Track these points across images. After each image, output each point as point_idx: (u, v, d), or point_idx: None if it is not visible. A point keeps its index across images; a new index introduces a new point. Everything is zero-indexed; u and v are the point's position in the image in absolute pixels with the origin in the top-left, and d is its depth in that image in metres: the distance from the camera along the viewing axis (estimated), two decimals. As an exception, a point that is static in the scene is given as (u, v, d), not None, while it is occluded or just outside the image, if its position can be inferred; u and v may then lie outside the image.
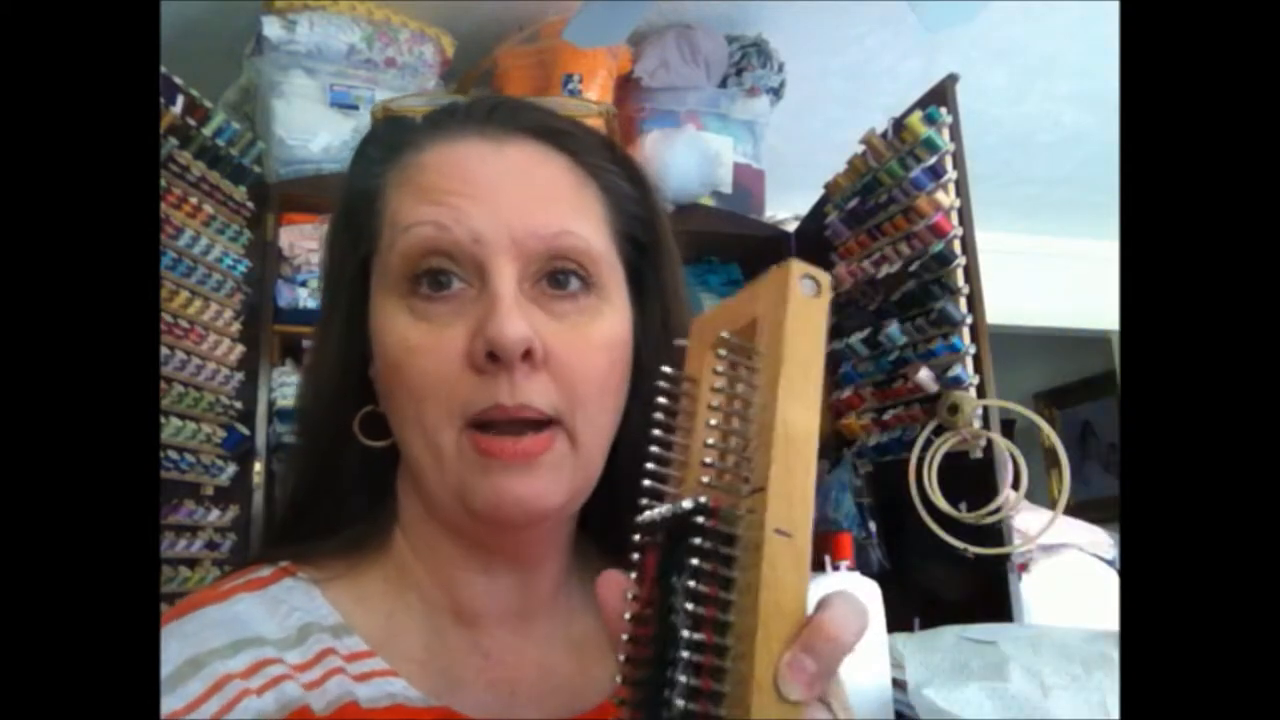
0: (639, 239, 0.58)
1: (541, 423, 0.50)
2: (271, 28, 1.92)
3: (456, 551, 0.55)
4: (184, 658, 0.47)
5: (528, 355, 0.49)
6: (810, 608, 0.36)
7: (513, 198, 0.52)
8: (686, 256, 0.62)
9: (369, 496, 0.58)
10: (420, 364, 0.50)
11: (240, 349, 1.77)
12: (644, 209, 0.58)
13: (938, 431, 1.65)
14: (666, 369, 0.43)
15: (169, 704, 0.45)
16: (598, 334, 0.53)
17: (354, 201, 0.57)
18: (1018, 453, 1.59)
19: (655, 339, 0.57)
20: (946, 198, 1.68)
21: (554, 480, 0.51)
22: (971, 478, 1.60)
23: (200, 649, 0.48)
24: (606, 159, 0.57)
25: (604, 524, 0.58)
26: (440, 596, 0.56)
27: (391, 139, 0.57)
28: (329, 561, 0.56)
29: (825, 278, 0.39)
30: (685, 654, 0.35)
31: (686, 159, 2.11)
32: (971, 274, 1.65)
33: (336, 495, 0.57)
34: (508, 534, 0.54)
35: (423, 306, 0.51)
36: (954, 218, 1.67)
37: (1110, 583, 1.81)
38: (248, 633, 0.50)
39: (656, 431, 0.42)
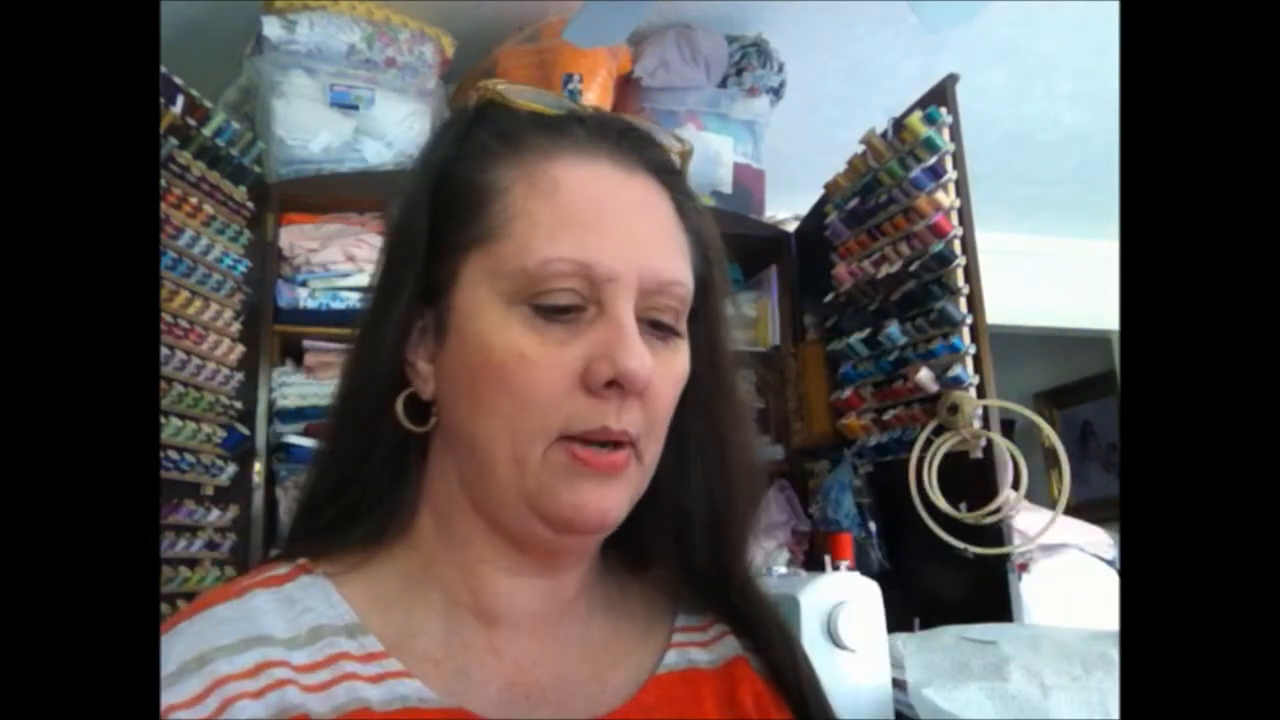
0: (703, 277, 0.60)
1: (618, 443, 0.53)
2: (271, 28, 1.92)
3: (490, 550, 0.56)
4: (191, 654, 0.48)
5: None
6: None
7: (641, 237, 0.54)
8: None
9: (389, 482, 0.57)
10: (533, 376, 0.51)
11: (240, 349, 1.77)
12: (712, 250, 0.61)
13: (938, 431, 1.65)
14: None
15: (167, 698, 0.46)
16: (677, 369, 0.56)
17: (455, 186, 0.56)
18: (1018, 453, 1.59)
19: (701, 364, 0.59)
20: (946, 198, 1.68)
21: (625, 493, 0.54)
22: (971, 478, 1.60)
23: (208, 646, 0.49)
24: (693, 201, 0.60)
25: (623, 535, 0.59)
26: (465, 594, 0.56)
27: (509, 132, 0.57)
28: (346, 555, 0.56)
29: None
30: None
31: (686, 159, 2.11)
32: (971, 274, 1.65)
33: (361, 482, 0.57)
34: (568, 540, 0.55)
35: (537, 320, 0.52)
36: (954, 218, 1.67)
37: (1110, 583, 1.81)
38: (257, 630, 0.50)
39: None
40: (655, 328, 0.55)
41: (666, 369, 0.55)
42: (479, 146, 0.57)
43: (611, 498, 0.53)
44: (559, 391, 0.51)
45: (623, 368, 0.50)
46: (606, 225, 0.53)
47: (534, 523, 0.53)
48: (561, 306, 0.52)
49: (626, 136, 0.58)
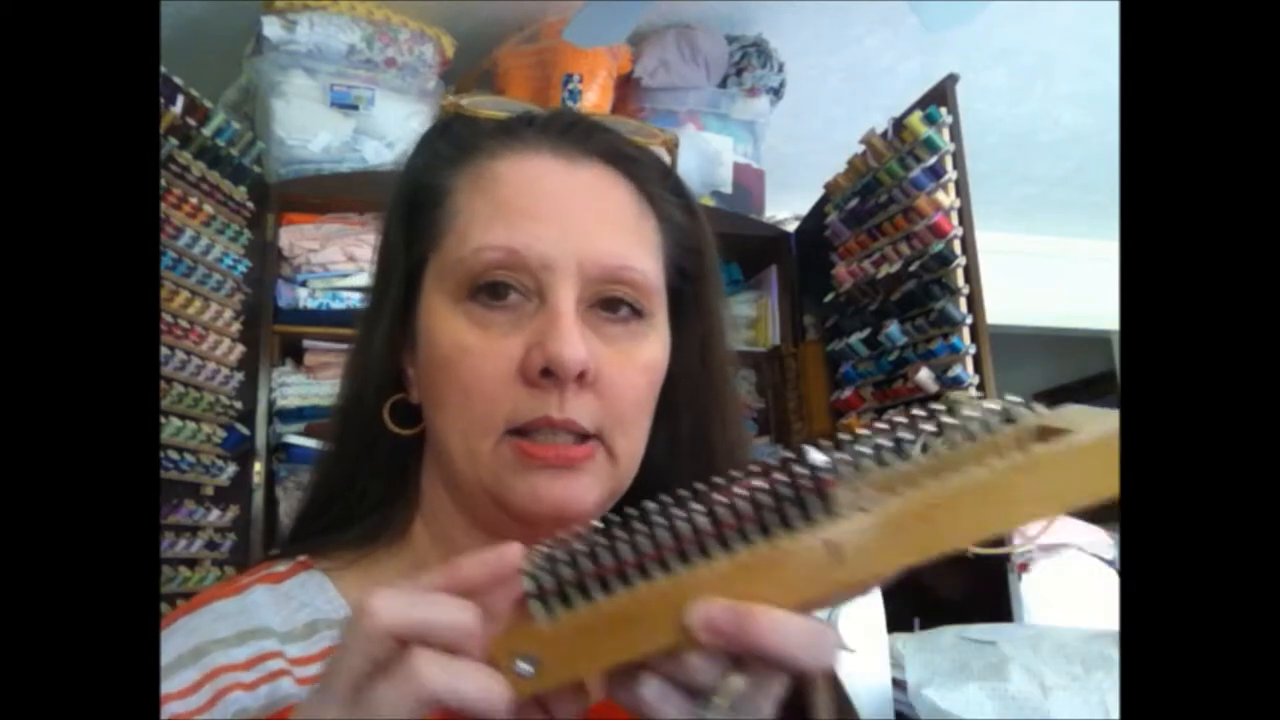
0: (686, 268, 0.59)
1: (582, 436, 0.52)
2: (271, 28, 1.92)
3: (476, 545, 0.56)
4: (188, 647, 0.49)
5: (580, 376, 0.51)
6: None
7: (581, 222, 0.54)
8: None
9: (387, 485, 0.58)
10: (473, 367, 0.52)
11: (240, 349, 1.77)
12: (696, 240, 0.60)
13: (938, 431, 1.65)
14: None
15: (162, 687, 0.47)
16: (642, 357, 0.55)
17: (417, 195, 0.58)
18: (1018, 453, 1.59)
19: (691, 361, 0.58)
20: (946, 198, 1.68)
21: (590, 485, 0.53)
22: (971, 478, 1.59)
23: (205, 639, 0.49)
24: (667, 188, 0.59)
25: None
26: None
27: (463, 139, 0.58)
28: (344, 552, 0.57)
29: None
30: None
31: (686, 159, 2.11)
32: (971, 274, 1.65)
33: (360, 485, 0.58)
34: (538, 532, 0.55)
35: (481, 313, 0.52)
36: (954, 218, 1.67)
37: (1110, 583, 1.81)
38: (255, 623, 0.51)
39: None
40: (613, 314, 0.54)
41: (625, 357, 0.53)
42: (436, 156, 0.59)
43: (572, 490, 0.52)
44: (499, 382, 0.51)
45: (550, 353, 0.50)
46: (541, 212, 0.53)
47: (498, 514, 0.53)
48: (498, 292, 0.52)
49: (573, 127, 0.58)
